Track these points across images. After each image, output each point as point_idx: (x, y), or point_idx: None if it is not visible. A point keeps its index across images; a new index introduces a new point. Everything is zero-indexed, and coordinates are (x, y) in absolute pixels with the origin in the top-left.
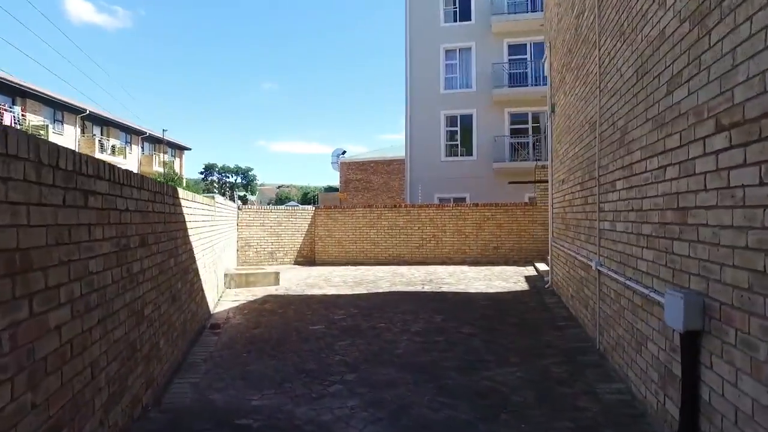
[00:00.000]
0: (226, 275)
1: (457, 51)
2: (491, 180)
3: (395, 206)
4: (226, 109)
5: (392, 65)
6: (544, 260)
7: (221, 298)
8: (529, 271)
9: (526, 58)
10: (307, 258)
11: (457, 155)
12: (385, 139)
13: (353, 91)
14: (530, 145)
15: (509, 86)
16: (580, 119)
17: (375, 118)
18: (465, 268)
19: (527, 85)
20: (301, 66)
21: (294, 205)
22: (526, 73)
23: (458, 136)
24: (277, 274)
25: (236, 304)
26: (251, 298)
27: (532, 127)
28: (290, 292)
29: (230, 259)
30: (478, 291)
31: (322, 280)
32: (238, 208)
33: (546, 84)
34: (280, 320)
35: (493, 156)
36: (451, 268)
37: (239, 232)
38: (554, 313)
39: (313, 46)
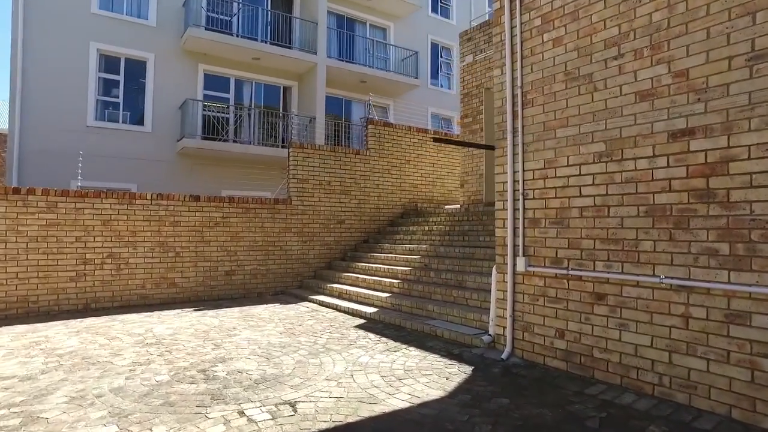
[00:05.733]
0: None
1: None
2: (175, 164)
3: (16, 191)
4: None
5: None
6: (307, 289)
7: None
8: (329, 313)
9: (233, 5)
10: None
11: (118, 121)
12: None
13: None
14: (232, 122)
15: (208, 28)
16: None
17: None
18: (203, 317)
19: (232, 34)
20: None
21: None
22: (231, 22)
23: (121, 92)
24: None
25: None
26: None
27: (236, 104)
28: None
29: None
30: (399, 406)
31: None
32: None
33: (264, 39)
34: None
35: (179, 130)
36: (173, 320)
37: None
38: None
39: None
